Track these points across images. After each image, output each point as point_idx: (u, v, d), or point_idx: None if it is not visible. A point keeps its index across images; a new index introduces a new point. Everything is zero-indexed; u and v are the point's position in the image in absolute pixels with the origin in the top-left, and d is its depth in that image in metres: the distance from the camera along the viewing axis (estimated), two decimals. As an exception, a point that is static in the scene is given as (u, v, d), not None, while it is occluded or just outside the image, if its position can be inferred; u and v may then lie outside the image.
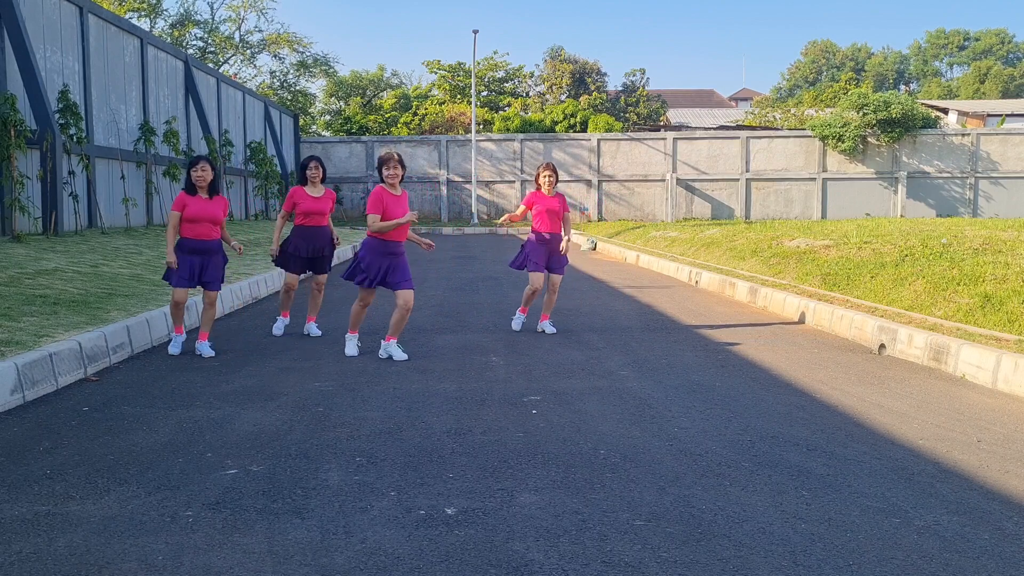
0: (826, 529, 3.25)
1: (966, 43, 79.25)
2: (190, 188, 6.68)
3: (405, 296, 6.49)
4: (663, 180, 28.98)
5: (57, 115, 12.93)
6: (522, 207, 8.00)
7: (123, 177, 15.54)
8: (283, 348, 7.07)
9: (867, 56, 79.79)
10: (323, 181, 7.66)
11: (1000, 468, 4.00)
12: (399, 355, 6.58)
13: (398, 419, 4.82)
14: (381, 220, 6.36)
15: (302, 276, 7.85)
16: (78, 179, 13.73)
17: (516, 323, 8.10)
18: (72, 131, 13.24)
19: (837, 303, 8.44)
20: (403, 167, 6.52)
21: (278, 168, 26.20)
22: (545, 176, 7.85)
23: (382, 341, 6.73)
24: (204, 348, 6.70)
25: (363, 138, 31.08)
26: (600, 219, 29.20)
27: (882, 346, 7.05)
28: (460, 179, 30.14)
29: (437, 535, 3.18)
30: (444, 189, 29.98)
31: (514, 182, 30.08)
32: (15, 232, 11.35)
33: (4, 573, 2.87)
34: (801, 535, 3.20)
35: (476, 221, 28.67)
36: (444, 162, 30.15)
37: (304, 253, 7.60)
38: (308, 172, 7.60)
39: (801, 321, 8.63)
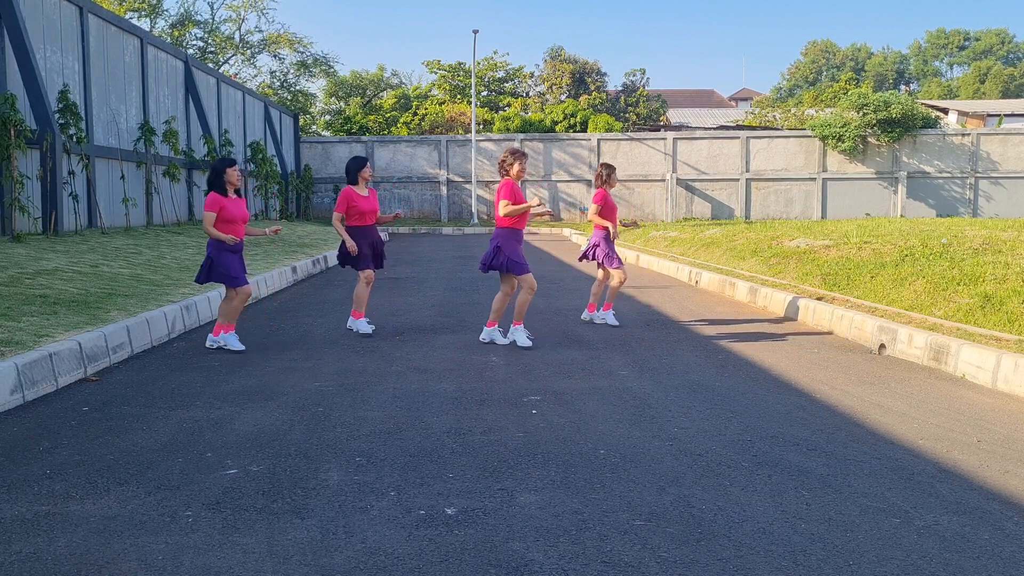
0: (826, 529, 3.25)
1: (966, 43, 79.27)
2: (222, 189, 6.88)
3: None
4: (663, 180, 28.99)
5: (57, 115, 12.93)
6: (595, 206, 8.43)
7: (123, 177, 15.54)
8: (283, 348, 7.07)
9: (867, 56, 79.78)
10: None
11: (1000, 468, 4.00)
12: (523, 341, 7.15)
13: (398, 419, 4.82)
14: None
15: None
16: (78, 179, 13.73)
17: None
18: (72, 131, 13.24)
19: (837, 303, 8.44)
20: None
21: (278, 168, 26.19)
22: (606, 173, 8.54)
23: (511, 326, 7.28)
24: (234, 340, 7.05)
25: (363, 138, 31.07)
26: (600, 219, 29.17)
27: (882, 346, 7.05)
28: (460, 179, 30.15)
29: (437, 535, 3.18)
30: (444, 189, 29.99)
31: (514, 182, 30.02)
32: (15, 232, 11.36)
33: (4, 573, 2.87)
34: (801, 535, 3.20)
35: (476, 221, 28.68)
36: (444, 162, 30.15)
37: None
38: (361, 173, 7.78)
39: (801, 321, 8.62)
